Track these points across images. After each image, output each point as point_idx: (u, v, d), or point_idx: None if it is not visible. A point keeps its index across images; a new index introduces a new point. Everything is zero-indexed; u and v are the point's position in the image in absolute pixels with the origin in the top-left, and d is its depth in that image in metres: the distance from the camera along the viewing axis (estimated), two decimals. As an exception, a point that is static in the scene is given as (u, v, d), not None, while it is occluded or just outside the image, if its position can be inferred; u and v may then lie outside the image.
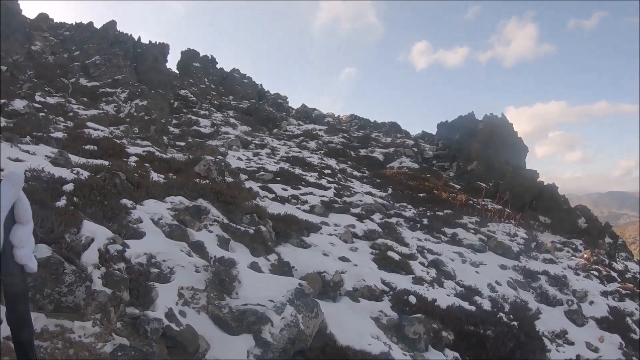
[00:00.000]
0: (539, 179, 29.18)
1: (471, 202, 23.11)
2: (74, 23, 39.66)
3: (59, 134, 14.20)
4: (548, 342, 11.56)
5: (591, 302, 14.44)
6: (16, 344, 1.46)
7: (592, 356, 12.02)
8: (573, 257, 19.40)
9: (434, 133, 42.45)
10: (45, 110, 18.69)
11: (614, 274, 18.28)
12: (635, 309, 14.93)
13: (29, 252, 1.41)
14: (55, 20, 40.69)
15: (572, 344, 12.27)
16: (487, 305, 11.52)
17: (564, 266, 17.30)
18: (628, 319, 14.15)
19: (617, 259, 22.68)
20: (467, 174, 29.46)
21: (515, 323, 11.05)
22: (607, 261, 20.12)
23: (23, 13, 32.16)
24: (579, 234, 24.41)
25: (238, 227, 9.51)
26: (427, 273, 12.11)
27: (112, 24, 37.78)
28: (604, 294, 15.63)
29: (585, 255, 19.36)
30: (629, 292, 16.18)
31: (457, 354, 9.28)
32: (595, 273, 17.43)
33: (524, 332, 10.90)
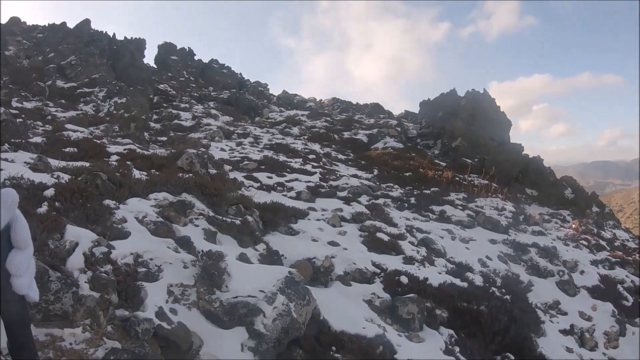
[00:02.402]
0: (524, 153, 29.29)
1: (457, 178, 23.12)
2: (47, 25, 39.04)
3: (38, 139, 14.02)
4: (542, 314, 11.69)
5: (582, 272, 14.60)
6: None
7: (585, 325, 12.17)
8: (562, 228, 19.54)
9: (417, 112, 42.45)
10: (23, 115, 18.43)
11: (603, 243, 18.50)
12: (626, 276, 15.12)
13: (28, 280, 1.30)
14: (27, 24, 40.08)
15: (565, 314, 12.41)
16: (479, 280, 11.58)
17: (553, 237, 17.41)
18: (619, 286, 14.33)
19: (605, 228, 22.93)
20: (452, 151, 29.48)
21: (508, 297, 11.13)
22: (595, 230, 20.34)
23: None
24: (567, 205, 24.58)
25: (224, 219, 9.45)
26: (418, 252, 12.13)
27: (86, 22, 37.27)
28: (594, 263, 15.82)
29: (573, 226, 19.52)
30: (618, 259, 16.38)
31: (452, 332, 9.32)
32: (585, 243, 17.60)
33: (517, 305, 10.99)
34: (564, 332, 11.72)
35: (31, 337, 1.41)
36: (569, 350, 11.06)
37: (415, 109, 44.54)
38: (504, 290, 11.54)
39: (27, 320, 1.51)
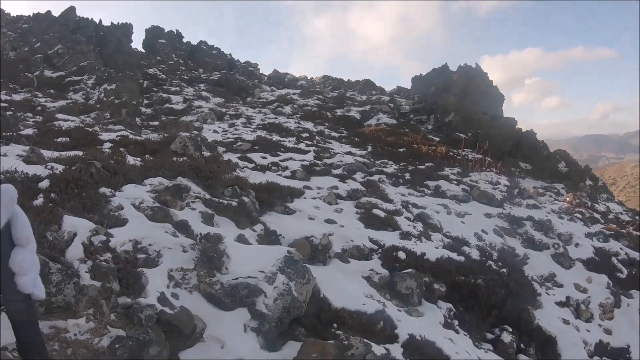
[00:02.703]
0: (517, 127, 29.30)
1: (451, 153, 23.15)
2: (31, 14, 38.60)
3: (29, 131, 13.93)
4: (538, 286, 11.82)
5: (577, 245, 14.72)
6: None
7: (581, 297, 12.34)
8: (556, 201, 19.66)
9: (409, 88, 42.33)
10: (12, 108, 18.31)
11: (597, 216, 18.62)
12: (620, 248, 15.30)
13: (32, 278, 1.28)
14: (11, 14, 39.61)
15: (561, 286, 12.56)
16: (475, 254, 11.65)
17: (548, 211, 17.52)
18: (613, 258, 14.52)
19: (599, 201, 23.05)
20: (445, 126, 29.45)
21: (504, 270, 11.23)
22: (589, 203, 20.44)
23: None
24: (560, 178, 24.69)
25: (220, 201, 9.46)
26: (414, 227, 12.18)
27: (71, 9, 36.84)
28: (589, 235, 15.96)
29: (567, 199, 19.63)
30: (612, 232, 16.55)
31: (450, 305, 9.43)
32: (579, 216, 17.73)
33: (513, 278, 11.11)
34: (560, 304, 11.88)
35: (40, 335, 1.41)
36: (565, 321, 11.22)
37: (405, 84, 44.45)
38: (500, 263, 11.65)
39: (35, 319, 1.50)
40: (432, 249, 11.11)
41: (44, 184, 7.32)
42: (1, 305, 1.37)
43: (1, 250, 1.27)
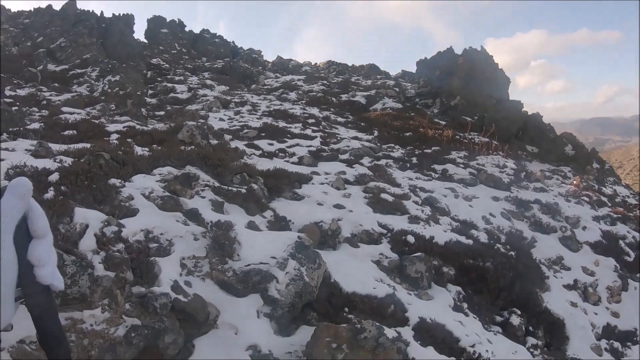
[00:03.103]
0: (523, 110, 29.14)
1: (458, 137, 23.03)
2: (32, 9, 38.62)
3: (36, 125, 13.97)
4: (546, 269, 11.84)
5: (584, 228, 14.69)
6: None
7: (588, 280, 12.35)
8: (563, 185, 19.56)
9: (414, 72, 42.13)
10: (18, 103, 18.37)
11: (604, 199, 18.55)
12: (627, 232, 15.25)
13: (51, 269, 1.30)
14: (12, 10, 39.64)
15: (568, 269, 12.56)
16: (483, 237, 11.67)
17: (555, 194, 17.44)
18: (621, 242, 14.48)
19: (606, 184, 22.96)
20: (451, 110, 29.27)
21: (512, 253, 11.26)
22: (596, 186, 20.35)
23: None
24: (567, 162, 24.53)
25: (230, 188, 9.49)
26: (422, 211, 12.18)
27: (72, 3, 36.82)
28: (596, 218, 15.89)
29: (574, 182, 19.54)
30: (620, 215, 16.48)
31: (459, 288, 9.48)
32: (586, 199, 17.63)
33: (521, 261, 11.14)
34: (568, 287, 11.89)
35: (59, 325, 1.43)
36: (573, 304, 11.24)
37: (410, 68, 44.19)
38: (508, 246, 11.67)
39: (54, 310, 1.52)
40: (441, 233, 11.12)
41: (54, 177, 7.35)
42: (21, 298, 1.39)
43: (19, 243, 1.29)
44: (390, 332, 5.91)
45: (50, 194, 6.72)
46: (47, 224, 1.25)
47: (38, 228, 1.21)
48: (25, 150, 9.74)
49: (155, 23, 49.10)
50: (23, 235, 1.20)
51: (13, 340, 4.22)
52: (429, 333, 7.44)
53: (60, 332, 1.37)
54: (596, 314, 11.47)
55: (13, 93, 20.89)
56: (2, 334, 4.15)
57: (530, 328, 9.93)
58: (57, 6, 37.00)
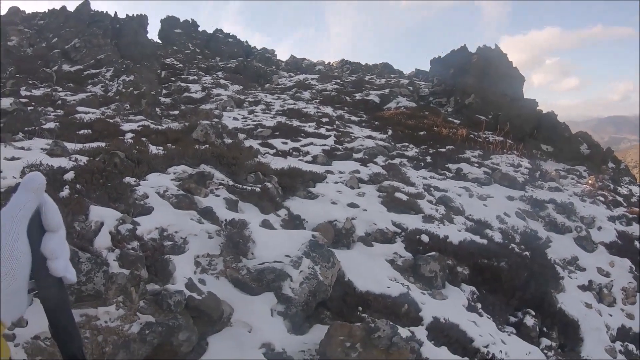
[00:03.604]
0: (537, 108, 28.90)
1: (472, 136, 22.92)
2: (46, 11, 38.97)
3: (51, 124, 14.10)
4: (560, 270, 11.75)
5: (599, 228, 14.55)
6: (65, 356, 1.40)
7: (603, 281, 12.22)
8: (578, 184, 19.41)
9: (428, 70, 41.96)
10: (33, 103, 18.55)
11: (620, 199, 18.35)
12: (643, 232, 15.06)
13: (64, 262, 1.31)
14: (27, 12, 40.04)
15: (583, 270, 12.46)
16: (498, 237, 11.60)
17: (570, 193, 17.31)
18: (636, 242, 14.32)
19: (622, 184, 22.73)
20: (465, 108, 29.12)
21: (527, 253, 11.18)
22: (611, 186, 20.14)
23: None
24: (582, 161, 24.33)
25: (244, 187, 9.50)
26: (436, 210, 12.13)
27: (86, 4, 37.14)
28: (611, 218, 15.73)
29: (590, 182, 19.35)
30: (635, 216, 16.28)
31: (473, 288, 9.42)
32: (601, 199, 17.46)
33: (536, 261, 11.06)
34: (583, 287, 11.79)
35: (72, 318, 1.43)
36: (588, 305, 11.14)
37: (424, 66, 44.01)
38: (523, 246, 11.59)
39: (67, 303, 1.52)
40: (455, 232, 11.07)
41: (69, 175, 7.39)
42: (34, 290, 1.40)
43: (32, 237, 1.30)
44: (404, 332, 5.88)
45: (65, 192, 6.75)
46: (61, 218, 1.26)
47: (52, 222, 1.22)
48: (41, 149, 9.83)
49: (169, 23, 49.32)
50: (36, 229, 1.21)
51: (28, 336, 4.25)
52: (443, 333, 7.40)
53: (72, 325, 1.37)
54: (611, 315, 11.36)
55: (29, 93, 21.08)
56: (17, 330, 4.19)
57: (545, 329, 9.84)
58: (71, 7, 37.29)
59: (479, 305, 9.02)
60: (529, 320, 9.42)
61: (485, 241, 11.03)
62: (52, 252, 1.28)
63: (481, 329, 7.92)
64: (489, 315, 8.89)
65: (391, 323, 5.94)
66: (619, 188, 20.83)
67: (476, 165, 18.22)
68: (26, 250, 1.18)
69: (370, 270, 8.44)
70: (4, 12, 36.73)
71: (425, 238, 10.11)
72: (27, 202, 1.19)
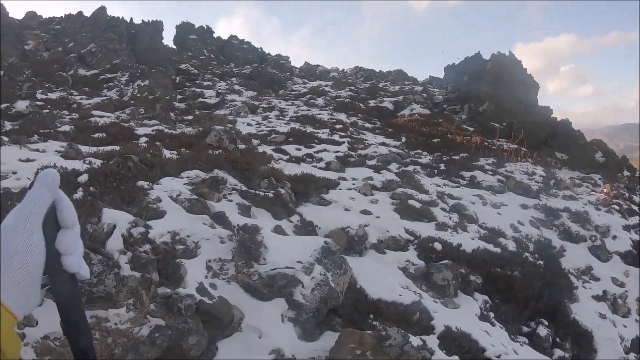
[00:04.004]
0: (552, 116, 28.74)
1: (486, 143, 22.82)
2: (63, 16, 39.39)
3: (66, 127, 14.22)
4: (574, 279, 11.60)
5: (614, 237, 14.34)
6: (75, 352, 1.40)
7: (618, 291, 12.03)
8: (593, 192, 19.20)
9: (442, 77, 41.87)
10: (49, 106, 18.73)
11: (635, 207, 18.11)
12: (659, 242, 14.84)
13: (78, 258, 1.32)
14: (44, 17, 40.48)
15: (598, 279, 12.28)
16: (511, 246, 11.49)
17: (585, 202, 17.11)
18: (652, 252, 14.10)
19: (637, 192, 22.49)
20: (480, 116, 29.02)
21: (540, 262, 11.07)
22: (627, 195, 19.89)
23: (10, 15, 32.15)
24: (597, 169, 24.13)
25: (257, 192, 9.49)
26: (450, 218, 12.05)
27: (102, 9, 37.48)
28: (627, 228, 15.50)
29: (605, 190, 19.14)
30: (651, 225, 16.10)
31: (486, 297, 9.31)
32: (616, 207, 17.24)
33: (550, 270, 10.94)
34: (597, 297, 11.61)
35: (83, 314, 1.43)
36: (602, 316, 10.97)
37: (438, 73, 43.91)
38: (536, 255, 11.47)
39: (79, 298, 1.52)
40: (468, 240, 10.98)
41: (83, 178, 7.43)
42: (47, 285, 1.40)
43: (47, 232, 1.31)
44: (415, 340, 5.83)
45: (79, 194, 6.79)
46: (75, 215, 1.26)
47: (67, 218, 1.23)
48: (56, 151, 9.90)
49: (184, 29, 49.66)
50: (51, 225, 1.21)
51: (37, 336, 4.26)
52: (455, 342, 7.32)
53: (83, 320, 1.37)
54: (625, 326, 11.17)
55: (45, 96, 21.30)
56: (27, 330, 4.20)
57: (558, 339, 9.70)
58: (87, 12, 37.67)
59: (492, 315, 8.92)
60: (542, 331, 9.29)
61: (498, 250, 10.93)
62: (66, 248, 1.29)
63: (493, 339, 7.83)
64: (501, 324, 8.79)
65: (402, 331, 5.89)
66: (635, 197, 20.59)
67: (490, 173, 18.10)
68: (41, 245, 1.19)
69: (382, 278, 8.38)
70: (21, 16, 37.18)
71: (438, 246, 10.03)
72: (42, 198, 1.20)
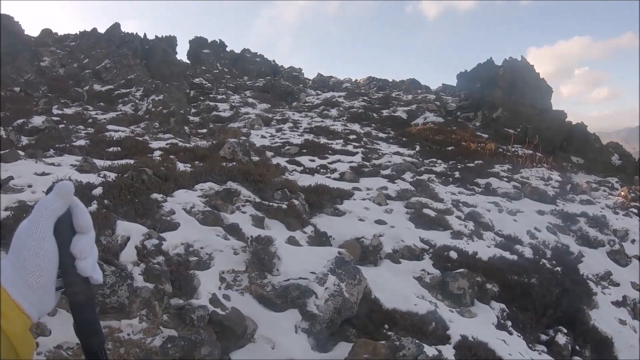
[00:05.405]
0: (567, 120, 28.55)
1: (501, 149, 22.71)
2: (77, 32, 39.94)
3: (81, 142, 14.34)
4: (593, 285, 11.41)
5: (633, 241, 14.13)
6: (87, 353, 1.43)
7: (638, 296, 11.85)
8: (610, 196, 18.96)
9: (455, 85, 41.81)
10: (64, 121, 18.89)
11: (654, 210, 17.92)
12: (679, 245, 14.61)
13: (92, 262, 1.35)
14: (59, 34, 41.08)
15: (617, 285, 12.09)
16: (528, 253, 11.36)
17: (602, 206, 16.89)
18: (672, 255, 13.88)
19: (655, 195, 22.24)
20: (493, 122, 28.92)
21: (558, 269, 10.90)
22: (644, 197, 19.72)
23: (26, 32, 32.70)
24: (614, 172, 23.89)
25: (271, 204, 9.51)
26: (465, 226, 11.96)
27: (116, 26, 37.98)
28: (645, 231, 15.32)
29: (622, 193, 18.90)
30: (669, 227, 15.85)
31: (503, 306, 9.19)
32: (635, 210, 16.98)
33: (568, 277, 10.77)
34: (617, 303, 11.42)
35: (97, 317, 1.44)
36: (622, 322, 10.77)
37: (450, 81, 43.80)
38: (554, 262, 11.30)
39: (93, 301, 1.54)
40: (484, 248, 10.88)
41: (98, 191, 7.50)
42: (62, 288, 1.43)
43: (62, 237, 1.34)
44: (430, 350, 5.78)
45: (93, 207, 6.84)
46: (90, 221, 1.30)
47: (82, 223, 1.26)
48: (71, 165, 9.99)
49: (197, 44, 50.10)
50: (66, 229, 1.24)
51: (50, 345, 4.28)
52: (471, 351, 7.23)
53: (95, 321, 1.39)
54: (646, 332, 11.02)
55: (60, 111, 21.51)
56: (40, 339, 4.22)
57: (577, 347, 9.54)
58: (101, 29, 38.21)
59: (509, 323, 8.80)
60: (561, 339, 9.15)
61: (515, 257, 10.81)
62: (81, 252, 1.32)
63: (511, 348, 7.73)
64: (519, 333, 8.67)
65: (417, 341, 5.84)
66: (652, 199, 20.36)
67: (505, 179, 17.97)
68: (53, 249, 1.23)
69: (397, 288, 8.32)
70: (37, 34, 37.80)
71: (453, 254, 9.95)
72: (54, 204, 1.24)
